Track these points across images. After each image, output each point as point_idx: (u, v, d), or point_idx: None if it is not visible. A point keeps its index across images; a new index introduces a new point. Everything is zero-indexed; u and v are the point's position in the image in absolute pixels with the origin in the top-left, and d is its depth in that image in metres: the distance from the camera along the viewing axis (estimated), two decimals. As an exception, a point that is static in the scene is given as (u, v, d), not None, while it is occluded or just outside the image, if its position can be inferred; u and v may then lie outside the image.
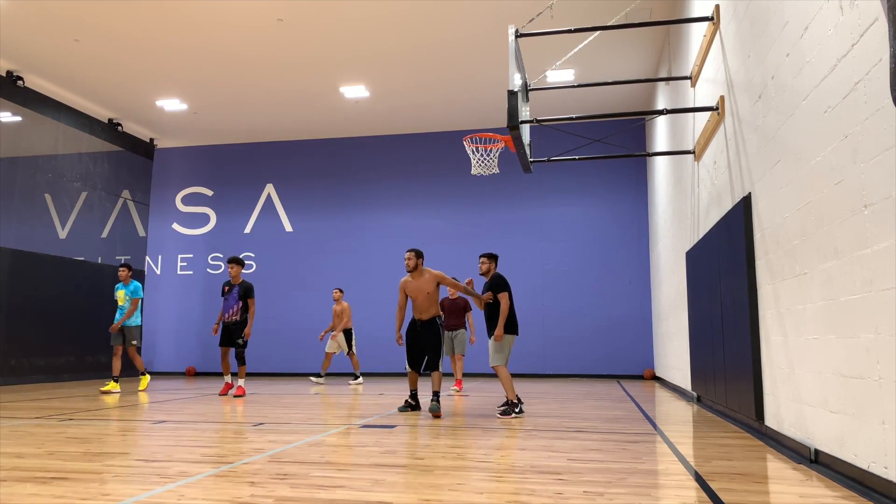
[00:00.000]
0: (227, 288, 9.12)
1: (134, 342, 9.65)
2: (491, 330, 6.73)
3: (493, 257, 6.99)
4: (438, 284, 6.78)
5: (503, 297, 6.66)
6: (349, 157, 15.27)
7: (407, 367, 6.91)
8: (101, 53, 10.99)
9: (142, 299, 9.87)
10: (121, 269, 9.85)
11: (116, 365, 9.55)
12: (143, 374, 10.09)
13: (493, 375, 13.31)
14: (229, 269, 9.14)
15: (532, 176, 10.80)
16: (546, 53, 9.36)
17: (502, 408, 6.56)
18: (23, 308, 11.38)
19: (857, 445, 3.25)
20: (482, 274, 6.97)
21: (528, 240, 14.18)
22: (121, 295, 9.73)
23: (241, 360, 9.06)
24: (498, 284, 6.73)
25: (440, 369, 6.73)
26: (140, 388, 9.88)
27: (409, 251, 6.80)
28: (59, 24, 10.01)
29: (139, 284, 9.88)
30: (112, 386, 9.44)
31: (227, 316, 9.03)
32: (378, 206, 14.98)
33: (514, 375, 13.26)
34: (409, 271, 6.80)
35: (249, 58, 11.16)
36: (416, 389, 6.94)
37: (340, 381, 12.37)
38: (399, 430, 5.46)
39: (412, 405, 6.90)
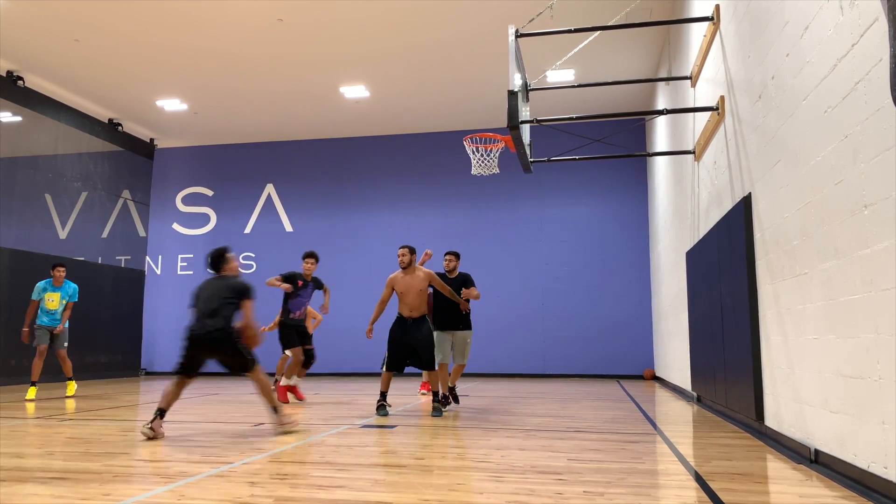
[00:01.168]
0: (301, 283, 7.87)
1: (66, 344, 8.89)
2: (452, 326, 7.11)
3: (459, 256, 7.39)
4: (429, 283, 6.76)
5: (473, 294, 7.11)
6: (349, 157, 15.27)
7: (384, 367, 6.71)
8: (102, 53, 11.00)
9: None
10: (59, 268, 8.93)
11: (40, 367, 8.61)
12: (72, 379, 9.05)
13: (490, 375, 13.31)
14: (306, 265, 7.98)
15: (532, 176, 10.79)
16: (546, 53, 9.35)
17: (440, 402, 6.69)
18: (23, 308, 11.33)
19: (857, 445, 3.25)
20: (449, 271, 7.22)
21: (528, 240, 14.18)
22: (56, 298, 8.80)
23: (310, 363, 8.11)
24: (471, 283, 7.19)
25: (437, 368, 6.70)
26: (69, 394, 8.86)
27: (403, 247, 6.73)
28: (59, 25, 10.01)
29: (76, 286, 9.12)
30: (34, 392, 8.65)
31: (297, 314, 7.89)
32: (378, 206, 14.98)
33: (514, 375, 13.31)
34: (403, 268, 6.71)
35: (250, 58, 11.16)
36: (387, 391, 6.67)
37: (336, 381, 12.36)
38: (399, 430, 5.46)
39: (386, 405, 6.58)
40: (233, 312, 5.24)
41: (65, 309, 8.95)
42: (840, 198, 3.37)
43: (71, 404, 7.81)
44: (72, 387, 9.02)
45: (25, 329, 8.70)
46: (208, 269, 5.61)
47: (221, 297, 5.22)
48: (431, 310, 7.21)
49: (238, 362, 5.20)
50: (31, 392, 8.55)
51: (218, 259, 5.57)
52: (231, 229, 15.63)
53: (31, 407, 7.52)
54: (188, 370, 5.16)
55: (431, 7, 9.52)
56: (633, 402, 7.98)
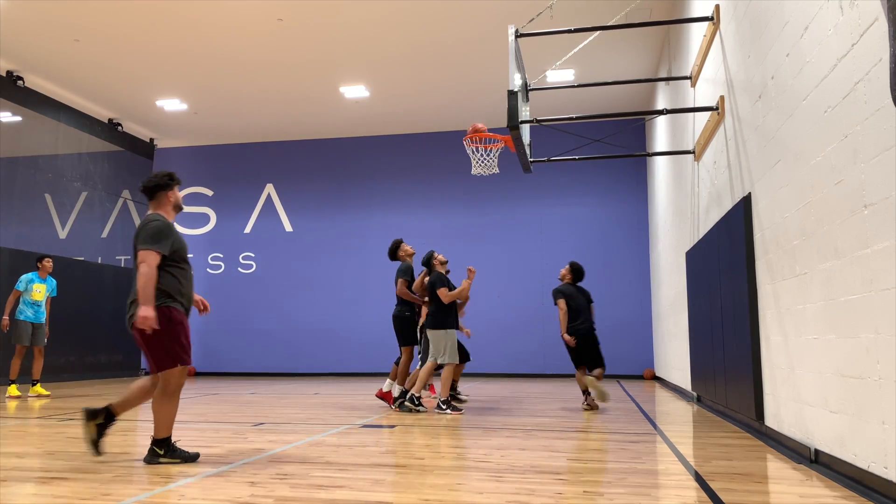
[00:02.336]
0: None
1: (46, 341, 8.91)
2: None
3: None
4: None
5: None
6: (349, 157, 15.27)
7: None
8: (102, 53, 11.00)
9: None
10: (46, 260, 8.84)
11: (19, 365, 8.65)
12: (38, 382, 8.85)
13: (490, 375, 13.31)
14: (410, 249, 7.74)
15: (532, 176, 10.79)
16: (546, 53, 9.35)
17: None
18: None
19: (857, 445, 3.25)
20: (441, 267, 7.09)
21: (528, 240, 14.17)
22: (42, 289, 8.75)
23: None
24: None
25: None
26: (33, 393, 8.68)
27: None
28: (59, 25, 10.01)
29: (56, 282, 9.13)
30: (15, 389, 8.63)
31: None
32: (378, 206, 14.98)
33: (514, 375, 13.30)
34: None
35: (250, 58, 11.16)
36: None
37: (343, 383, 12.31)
38: (399, 430, 5.46)
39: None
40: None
41: (47, 304, 8.94)
42: (840, 198, 3.37)
43: (36, 403, 7.59)
44: (39, 389, 8.74)
45: (5, 318, 8.69)
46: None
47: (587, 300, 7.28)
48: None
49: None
50: (13, 390, 8.55)
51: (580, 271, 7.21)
52: (231, 229, 15.63)
53: (11, 406, 7.50)
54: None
55: (431, 7, 9.52)
56: (634, 402, 7.98)
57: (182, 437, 4.99)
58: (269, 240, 15.41)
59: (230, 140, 15.70)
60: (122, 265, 14.28)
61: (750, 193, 5.17)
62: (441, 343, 6.67)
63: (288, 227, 15.44)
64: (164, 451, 3.86)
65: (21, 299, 8.78)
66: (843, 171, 3.33)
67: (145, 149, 15.26)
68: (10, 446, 4.51)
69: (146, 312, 3.73)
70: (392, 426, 5.67)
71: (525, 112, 6.94)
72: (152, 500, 2.97)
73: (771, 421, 4.76)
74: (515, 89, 6.15)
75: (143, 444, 4.86)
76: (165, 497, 3.03)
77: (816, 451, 3.82)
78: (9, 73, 11.56)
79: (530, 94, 7.46)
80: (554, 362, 13.48)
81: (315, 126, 14.66)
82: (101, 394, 9.31)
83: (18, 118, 11.85)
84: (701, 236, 7.25)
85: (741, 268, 5.29)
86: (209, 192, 15.94)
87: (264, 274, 15.27)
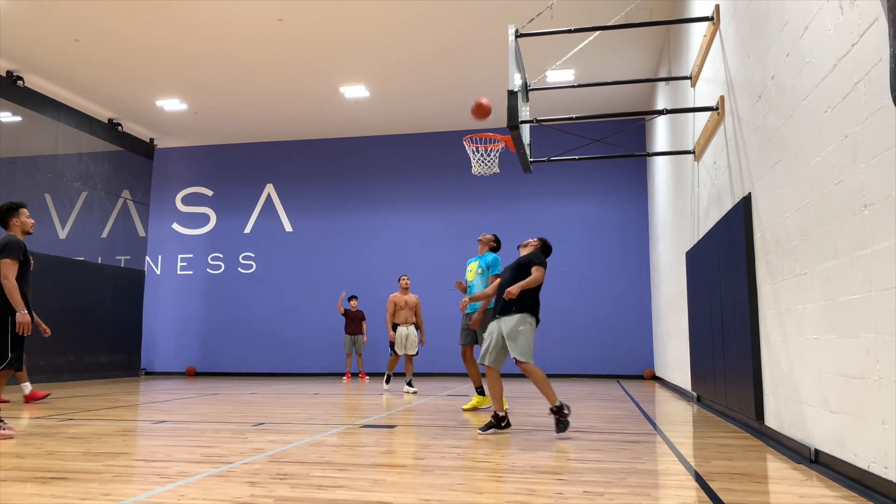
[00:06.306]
0: None
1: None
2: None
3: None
4: None
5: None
6: (349, 157, 15.28)
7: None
8: (101, 53, 11.00)
9: None
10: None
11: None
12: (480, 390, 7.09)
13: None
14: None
15: (532, 176, 10.79)
16: (546, 53, 9.35)
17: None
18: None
19: (857, 445, 3.25)
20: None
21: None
22: (472, 268, 7.23)
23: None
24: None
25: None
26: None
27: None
28: (59, 24, 10.01)
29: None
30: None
31: None
32: (378, 206, 14.99)
33: (514, 376, 13.29)
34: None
35: (249, 58, 11.16)
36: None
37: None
38: (399, 430, 5.46)
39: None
40: None
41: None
42: (840, 198, 3.37)
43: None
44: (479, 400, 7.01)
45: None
46: None
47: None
48: None
49: None
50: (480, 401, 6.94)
51: None
52: (231, 229, 15.63)
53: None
54: None
55: (431, 7, 9.52)
56: (633, 402, 7.98)
57: (181, 437, 5.00)
58: (269, 240, 15.41)
59: (230, 140, 15.70)
60: (123, 265, 14.28)
61: (750, 193, 5.17)
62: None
63: (288, 227, 15.44)
64: None
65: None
66: (843, 171, 3.33)
67: (145, 149, 15.26)
68: (10, 446, 4.51)
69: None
70: (392, 426, 5.67)
71: (525, 112, 6.95)
72: (152, 500, 2.97)
73: (771, 421, 4.76)
74: (515, 89, 6.16)
75: (144, 444, 4.86)
76: (165, 497, 3.02)
77: (816, 451, 3.82)
78: (9, 73, 11.56)
79: (530, 94, 7.46)
80: (554, 362, 13.48)
81: (315, 126, 14.66)
82: (102, 394, 9.31)
83: (18, 118, 11.85)
84: (701, 236, 7.25)
85: (741, 268, 5.29)
86: (209, 192, 15.94)
87: (264, 274, 15.27)
